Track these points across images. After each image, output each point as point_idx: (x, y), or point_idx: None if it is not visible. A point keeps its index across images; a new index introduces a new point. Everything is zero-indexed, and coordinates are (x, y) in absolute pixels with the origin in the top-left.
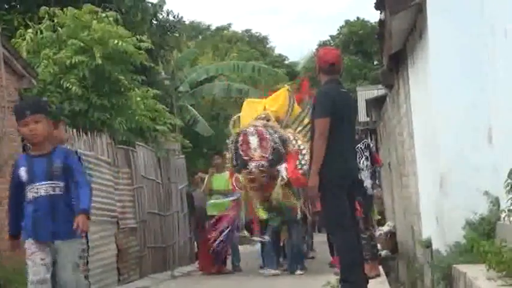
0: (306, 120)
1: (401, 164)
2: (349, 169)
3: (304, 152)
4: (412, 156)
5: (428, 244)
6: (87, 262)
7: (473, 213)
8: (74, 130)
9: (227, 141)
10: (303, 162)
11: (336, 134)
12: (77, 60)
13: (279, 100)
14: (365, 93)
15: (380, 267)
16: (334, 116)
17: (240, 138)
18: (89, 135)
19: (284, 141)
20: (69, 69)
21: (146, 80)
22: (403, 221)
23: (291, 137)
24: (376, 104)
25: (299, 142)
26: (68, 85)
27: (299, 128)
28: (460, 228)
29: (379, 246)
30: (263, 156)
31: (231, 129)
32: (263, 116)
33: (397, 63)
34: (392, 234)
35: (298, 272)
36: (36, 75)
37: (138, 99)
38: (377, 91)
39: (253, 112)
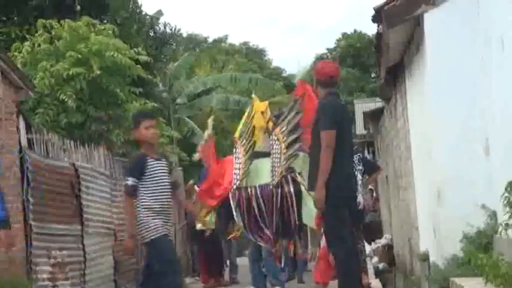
0: (249, 132)
1: (398, 176)
2: (350, 180)
3: (240, 166)
4: (409, 168)
5: (425, 257)
6: (84, 274)
7: (470, 226)
8: (71, 142)
9: None
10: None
11: (339, 146)
12: (74, 72)
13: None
14: (362, 106)
15: (377, 281)
16: (338, 129)
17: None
18: (87, 148)
19: None
20: (66, 81)
21: (143, 92)
22: (400, 233)
23: (237, 150)
24: (374, 116)
25: (240, 156)
26: (64, 97)
27: (244, 141)
28: (457, 241)
29: (376, 259)
30: None
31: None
32: None
33: (395, 76)
34: (389, 247)
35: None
36: (33, 87)
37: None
38: (374, 104)
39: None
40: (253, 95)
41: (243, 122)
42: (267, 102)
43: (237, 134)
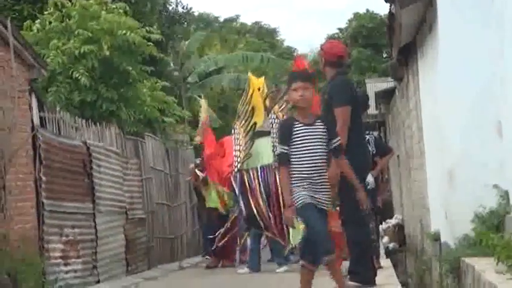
0: (248, 112)
1: (410, 157)
2: (367, 159)
3: (240, 148)
4: (421, 149)
5: (436, 237)
6: (96, 252)
7: (482, 207)
8: (83, 120)
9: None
10: (235, 164)
11: (354, 124)
12: (85, 50)
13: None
14: (374, 86)
15: (388, 260)
16: (352, 106)
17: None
18: (98, 126)
19: None
20: (78, 60)
21: (155, 71)
22: (411, 214)
23: (236, 131)
24: (385, 96)
25: (240, 137)
26: (77, 75)
27: (242, 122)
28: (468, 222)
29: (386, 238)
30: None
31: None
32: None
33: (407, 56)
34: (400, 227)
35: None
36: (46, 65)
37: (145, 90)
38: (386, 84)
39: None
40: (249, 73)
41: (241, 101)
42: (263, 79)
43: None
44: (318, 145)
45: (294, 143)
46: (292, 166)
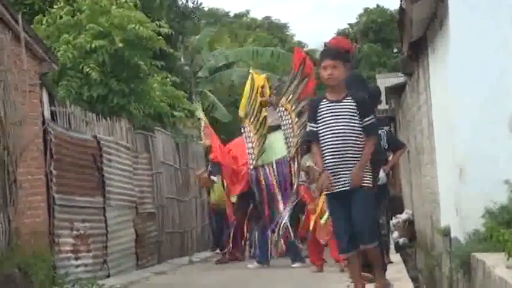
0: (256, 108)
1: (420, 152)
2: (379, 154)
3: (253, 145)
4: (431, 145)
5: (447, 232)
6: (106, 246)
7: (493, 202)
8: (94, 115)
9: None
10: (249, 161)
11: None
12: (96, 45)
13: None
14: (384, 81)
15: (398, 255)
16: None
17: None
18: (108, 120)
19: None
20: (89, 54)
21: (165, 66)
22: (421, 209)
23: (247, 129)
24: (395, 91)
25: (251, 135)
26: (87, 70)
27: (251, 118)
28: (479, 217)
29: (396, 233)
30: None
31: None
32: None
33: (417, 51)
34: (410, 222)
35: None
36: (56, 59)
37: (155, 85)
38: (396, 79)
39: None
40: (251, 70)
41: (246, 99)
42: (265, 75)
43: (242, 113)
44: (344, 122)
45: (320, 121)
46: (319, 143)
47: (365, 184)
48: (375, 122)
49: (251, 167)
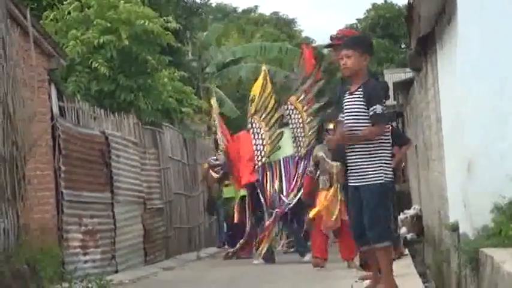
0: (270, 106)
1: (428, 148)
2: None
3: (264, 142)
4: (440, 140)
5: (455, 228)
6: (114, 242)
7: (502, 197)
8: (102, 110)
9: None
10: (259, 158)
11: None
12: (104, 40)
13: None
14: (392, 76)
15: (406, 250)
16: None
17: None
18: (116, 116)
19: None
20: (97, 50)
21: (173, 61)
22: (429, 204)
23: (257, 125)
24: (403, 87)
25: (262, 131)
26: (96, 65)
27: (263, 115)
28: (487, 212)
29: (404, 229)
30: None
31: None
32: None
33: (426, 47)
34: (418, 218)
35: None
36: (65, 55)
37: (165, 80)
38: (404, 74)
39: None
40: (263, 67)
41: (257, 95)
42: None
43: (252, 109)
44: (351, 115)
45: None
46: None
47: (371, 181)
48: (381, 112)
49: (259, 163)
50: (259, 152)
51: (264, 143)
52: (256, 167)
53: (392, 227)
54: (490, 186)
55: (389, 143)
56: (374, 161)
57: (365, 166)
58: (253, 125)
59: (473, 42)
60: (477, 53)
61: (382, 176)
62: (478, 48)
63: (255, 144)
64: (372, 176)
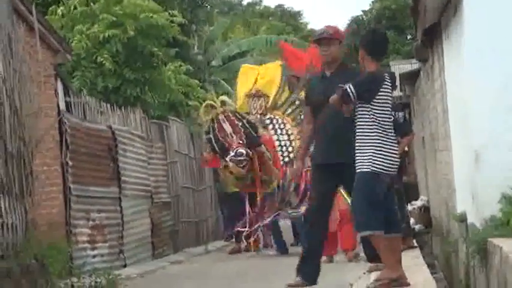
0: (297, 102)
1: (435, 139)
2: None
3: (292, 138)
4: (446, 131)
5: (463, 218)
6: (122, 236)
7: (509, 187)
8: (108, 105)
9: (204, 129)
10: (285, 154)
11: None
12: (110, 34)
13: (269, 74)
14: (398, 68)
15: (414, 241)
16: None
17: (216, 126)
18: (123, 110)
19: (253, 126)
20: (103, 44)
21: (179, 55)
22: (437, 195)
23: (279, 121)
24: (410, 78)
25: (287, 126)
26: (101, 60)
27: (289, 110)
28: (495, 203)
29: (412, 220)
30: (240, 143)
31: (202, 116)
32: (253, 92)
33: (432, 38)
34: (426, 209)
35: None
36: (71, 50)
37: (170, 73)
38: (410, 65)
39: (248, 82)
40: (279, 62)
41: (276, 91)
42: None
43: (269, 104)
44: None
45: None
46: None
47: (358, 168)
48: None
49: (286, 159)
50: (285, 148)
51: (293, 139)
52: (282, 163)
53: (380, 216)
54: (497, 176)
55: (385, 133)
56: (363, 147)
57: (357, 153)
58: (274, 121)
59: (479, 32)
60: (484, 43)
61: (369, 165)
62: (485, 38)
63: (277, 140)
64: (359, 163)
